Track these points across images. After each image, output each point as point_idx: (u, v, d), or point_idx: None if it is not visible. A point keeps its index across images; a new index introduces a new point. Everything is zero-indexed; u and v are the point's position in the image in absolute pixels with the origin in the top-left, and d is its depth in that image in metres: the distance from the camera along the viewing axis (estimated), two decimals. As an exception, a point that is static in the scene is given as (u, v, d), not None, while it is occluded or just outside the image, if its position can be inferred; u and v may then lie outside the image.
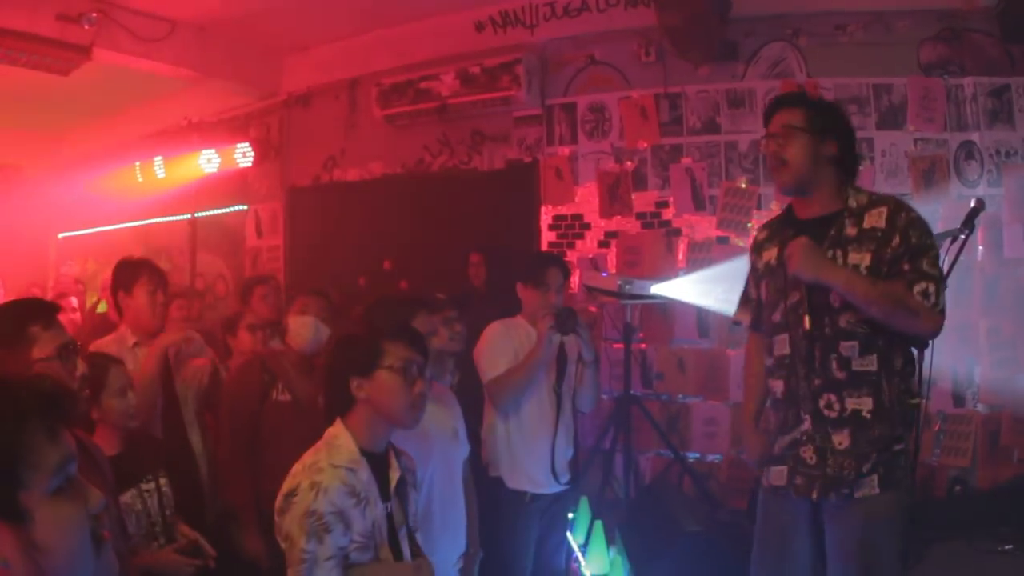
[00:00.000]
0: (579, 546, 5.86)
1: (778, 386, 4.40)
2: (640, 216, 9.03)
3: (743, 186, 8.57)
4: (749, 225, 8.39)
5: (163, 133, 12.10)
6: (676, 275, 8.32)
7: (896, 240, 4.10)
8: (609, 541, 5.83)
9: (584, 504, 6.15)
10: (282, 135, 11.47)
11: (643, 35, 8.94)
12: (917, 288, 4.03)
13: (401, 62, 10.12)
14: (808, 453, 4.21)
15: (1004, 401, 7.56)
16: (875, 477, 4.08)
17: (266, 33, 10.47)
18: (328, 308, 6.13)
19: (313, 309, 5.94)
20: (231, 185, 11.72)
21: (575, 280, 8.80)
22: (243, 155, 11.20)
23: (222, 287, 11.89)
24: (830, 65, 8.39)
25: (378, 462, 3.62)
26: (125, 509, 4.46)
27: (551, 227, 9.49)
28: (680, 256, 8.79)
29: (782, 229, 4.50)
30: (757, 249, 4.66)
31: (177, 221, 12.29)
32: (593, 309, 8.90)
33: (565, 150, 9.41)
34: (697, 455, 8.62)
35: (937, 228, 4.85)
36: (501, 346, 5.88)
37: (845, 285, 4.08)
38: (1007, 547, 6.58)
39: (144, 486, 4.66)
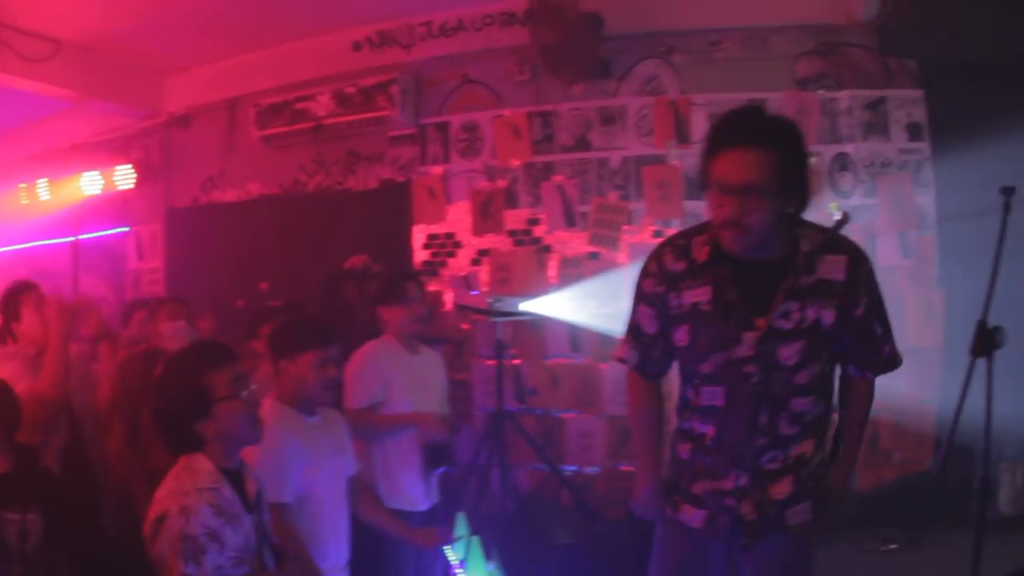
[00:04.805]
0: (458, 562, 5.52)
1: (708, 431, 3.57)
2: (512, 233, 8.55)
3: (615, 202, 8.13)
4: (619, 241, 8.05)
5: (47, 154, 11.26)
6: (548, 291, 8.05)
7: (862, 300, 3.37)
8: (487, 556, 5.79)
9: (461, 520, 5.79)
10: (163, 156, 10.69)
11: (518, 54, 8.47)
12: (886, 350, 3.51)
13: (279, 82, 9.49)
14: (747, 509, 3.49)
15: (882, 405, 6.93)
16: (808, 504, 3.50)
17: (148, 53, 9.75)
18: (192, 315, 6.49)
19: (182, 314, 6.27)
20: (113, 207, 10.90)
21: (448, 299, 8.53)
22: (124, 177, 10.34)
23: (105, 309, 10.88)
24: (704, 81, 8.03)
25: (235, 478, 3.49)
26: None
27: (425, 246, 8.89)
28: (552, 272, 8.35)
29: (714, 267, 3.43)
30: (669, 281, 3.54)
31: (60, 244, 11.35)
32: (465, 327, 8.49)
33: (438, 169, 8.84)
34: (574, 468, 8.22)
35: None
36: (370, 374, 5.59)
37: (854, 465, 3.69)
38: (892, 546, 6.65)
39: (9, 515, 4.48)
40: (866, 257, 3.41)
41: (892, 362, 3.53)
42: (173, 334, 5.94)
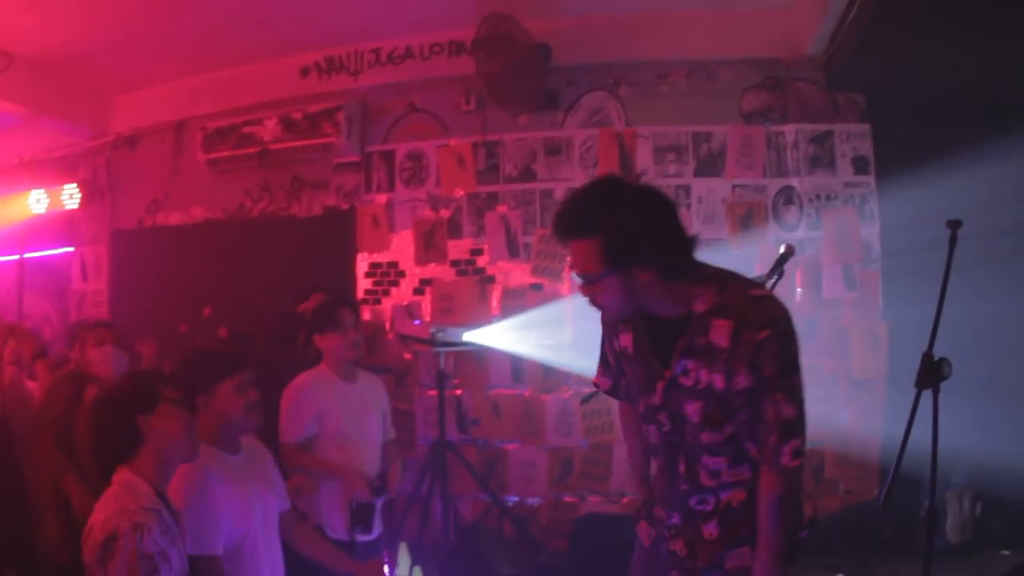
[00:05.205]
0: (401, 592, 5.54)
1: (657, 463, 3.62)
2: (455, 263, 8.37)
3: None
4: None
5: (-4, 171, 11.01)
6: (490, 322, 7.95)
7: (741, 371, 3.12)
8: (429, 587, 5.86)
9: (404, 550, 5.83)
10: (109, 177, 10.35)
11: (464, 83, 8.29)
12: (787, 450, 3.09)
13: (227, 106, 9.25)
14: (679, 546, 3.46)
15: (826, 436, 7.18)
16: (747, 549, 3.29)
17: (98, 71, 9.45)
18: (118, 337, 6.18)
19: (109, 339, 6.03)
20: (59, 226, 10.63)
21: (389, 327, 8.39)
22: (70, 196, 10.19)
23: (48, 330, 10.66)
24: (650, 114, 8.02)
25: (165, 502, 3.41)
26: None
27: (367, 274, 8.68)
28: (494, 303, 8.22)
29: (634, 316, 3.44)
30: (609, 323, 3.61)
31: (6, 262, 11.11)
32: (408, 357, 8.34)
33: (382, 197, 8.64)
34: (516, 499, 8.09)
35: (754, 272, 4.42)
36: (303, 407, 5.46)
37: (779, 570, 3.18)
38: (838, 575, 6.59)
39: None
40: (754, 321, 3.11)
41: (775, 457, 3.11)
42: (102, 360, 5.83)
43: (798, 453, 3.09)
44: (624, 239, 3.08)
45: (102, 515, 3.19)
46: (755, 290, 3.24)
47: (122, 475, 3.32)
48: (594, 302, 3.26)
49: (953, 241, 3.43)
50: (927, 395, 3.33)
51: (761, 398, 3.10)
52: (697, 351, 3.18)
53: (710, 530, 3.36)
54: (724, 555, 3.35)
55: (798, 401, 3.10)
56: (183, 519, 3.64)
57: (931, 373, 3.30)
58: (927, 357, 3.31)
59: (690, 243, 3.18)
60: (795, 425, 3.09)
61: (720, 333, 3.12)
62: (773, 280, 4.61)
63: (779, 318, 3.11)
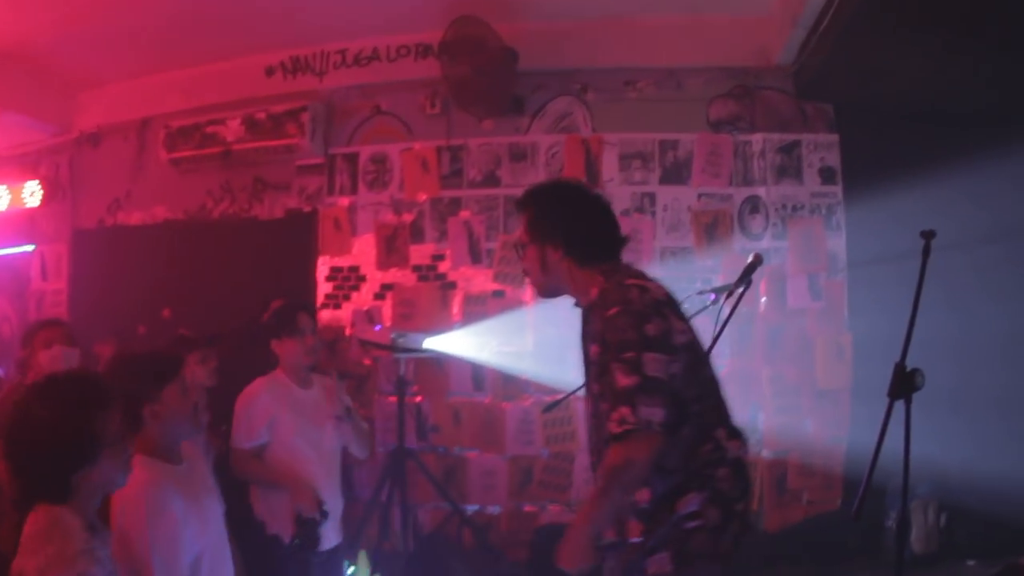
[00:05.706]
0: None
1: None
2: (416, 268, 8.19)
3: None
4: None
5: (-41, 167, 10.78)
6: (451, 328, 7.81)
7: (597, 345, 3.50)
8: (388, 595, 5.88)
9: (363, 557, 6.01)
10: (72, 174, 10.12)
11: (431, 87, 8.13)
12: (614, 418, 3.27)
13: (191, 104, 9.03)
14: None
15: (789, 446, 7.35)
16: (666, 555, 3.39)
17: (62, 67, 9.25)
18: (67, 335, 6.07)
19: (57, 338, 5.89)
20: (19, 224, 10.38)
21: (349, 332, 8.22)
22: (31, 194, 10.05)
23: (7, 330, 10.48)
24: (617, 120, 7.93)
25: (95, 531, 3.08)
26: None
27: (328, 278, 8.47)
28: (455, 309, 8.04)
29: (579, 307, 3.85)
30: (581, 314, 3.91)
31: (-36, 260, 10.94)
32: (367, 362, 8.16)
33: (345, 200, 8.43)
34: (476, 507, 7.95)
35: (718, 281, 4.41)
36: (256, 414, 5.45)
37: (587, 526, 3.44)
38: None
39: None
40: (610, 300, 3.45)
41: (606, 426, 3.32)
42: (52, 361, 5.63)
43: (623, 421, 3.21)
44: (542, 218, 3.75)
45: (33, 561, 2.86)
46: (634, 279, 3.49)
47: (49, 511, 2.99)
48: (523, 267, 3.86)
49: (927, 251, 3.40)
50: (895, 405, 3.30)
51: (603, 363, 3.31)
52: (594, 336, 3.50)
53: (631, 530, 3.48)
54: (645, 561, 3.42)
55: (641, 376, 3.24)
56: (147, 546, 3.55)
57: (903, 384, 3.26)
58: (900, 367, 3.28)
59: (606, 240, 3.73)
60: (628, 394, 3.23)
61: (599, 319, 3.46)
62: (742, 289, 4.60)
63: (635, 300, 3.39)
